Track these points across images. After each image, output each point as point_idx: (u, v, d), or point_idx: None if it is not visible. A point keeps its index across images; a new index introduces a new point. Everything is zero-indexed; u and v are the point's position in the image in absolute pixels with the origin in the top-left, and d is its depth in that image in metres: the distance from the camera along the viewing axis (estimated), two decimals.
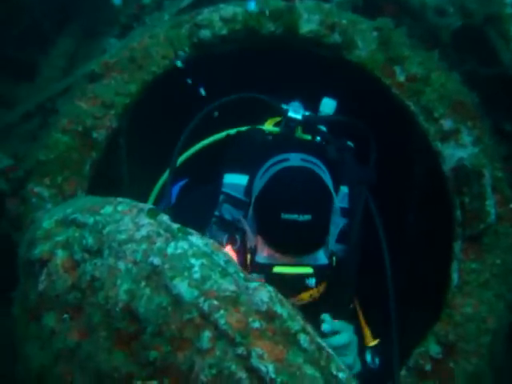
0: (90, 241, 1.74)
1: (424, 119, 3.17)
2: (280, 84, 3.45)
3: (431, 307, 3.04)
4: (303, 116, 3.10)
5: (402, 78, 3.24)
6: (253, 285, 1.59)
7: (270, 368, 1.46)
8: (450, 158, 3.08)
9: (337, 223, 2.61)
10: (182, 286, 1.55)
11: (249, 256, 2.52)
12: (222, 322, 1.50)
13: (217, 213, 2.89)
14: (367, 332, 2.88)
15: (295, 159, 2.65)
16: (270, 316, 1.53)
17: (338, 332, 2.61)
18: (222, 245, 2.73)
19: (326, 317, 2.59)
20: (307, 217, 2.37)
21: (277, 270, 2.37)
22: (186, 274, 1.58)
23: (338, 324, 2.64)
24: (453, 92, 3.19)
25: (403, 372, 2.83)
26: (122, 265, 1.65)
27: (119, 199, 1.84)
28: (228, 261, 1.64)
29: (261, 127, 3.20)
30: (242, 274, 1.62)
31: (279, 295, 1.58)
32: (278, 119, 3.26)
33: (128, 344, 1.60)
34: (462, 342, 2.82)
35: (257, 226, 2.49)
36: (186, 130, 2.99)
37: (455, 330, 2.84)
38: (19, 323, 1.95)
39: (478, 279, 2.92)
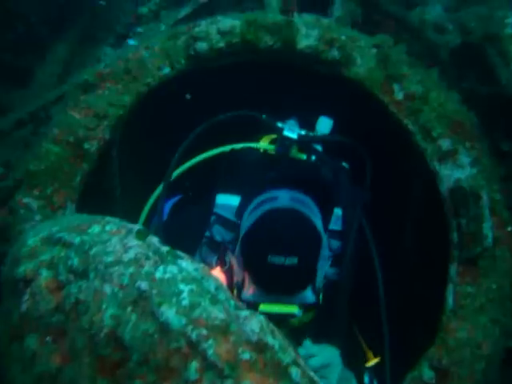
0: (75, 262, 1.67)
1: (422, 138, 3.12)
2: (277, 99, 3.41)
3: (429, 330, 2.97)
4: (298, 135, 3.11)
5: (400, 96, 3.20)
6: (243, 313, 1.53)
7: None
8: (447, 179, 3.03)
9: (326, 259, 2.66)
10: (169, 313, 1.49)
11: (235, 291, 2.54)
12: (210, 352, 1.44)
13: (208, 234, 2.89)
14: (368, 352, 2.85)
15: (284, 198, 2.64)
16: (260, 347, 1.47)
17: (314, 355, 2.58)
18: (211, 266, 2.78)
19: (305, 342, 2.59)
20: (294, 260, 2.37)
21: (263, 308, 2.40)
22: (174, 300, 1.51)
23: (316, 348, 2.61)
24: (452, 112, 3.14)
25: None
26: (108, 288, 1.59)
27: (107, 218, 1.78)
28: (218, 287, 1.58)
29: (255, 145, 3.20)
30: (232, 302, 1.56)
31: (271, 325, 1.52)
32: (273, 136, 3.24)
33: (112, 372, 1.53)
34: (456, 368, 2.76)
35: (243, 263, 2.50)
36: (181, 146, 2.98)
37: (449, 355, 2.78)
38: (1, 341, 1.88)
39: (473, 303, 2.86)
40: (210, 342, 1.46)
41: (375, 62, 3.26)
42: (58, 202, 2.97)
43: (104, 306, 1.57)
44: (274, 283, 2.41)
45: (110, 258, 1.62)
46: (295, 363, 1.47)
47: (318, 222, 2.63)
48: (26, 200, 2.95)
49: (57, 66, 5.29)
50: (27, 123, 3.95)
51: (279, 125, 3.14)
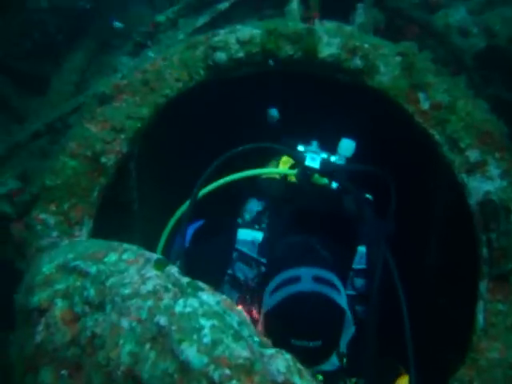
0: (91, 293, 1.59)
1: (449, 149, 3.01)
2: (298, 109, 3.32)
3: (458, 349, 2.86)
4: (321, 164, 3.02)
5: (426, 106, 3.09)
6: (269, 352, 1.44)
7: None
8: (476, 192, 2.92)
9: (351, 325, 2.59)
10: (190, 352, 1.40)
11: None
12: None
13: (230, 271, 2.86)
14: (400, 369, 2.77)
15: (307, 278, 2.55)
16: None
17: None
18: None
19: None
20: (317, 343, 2.38)
21: None
22: (195, 337, 1.43)
23: None
24: (480, 121, 3.03)
25: None
26: (125, 323, 1.50)
27: (125, 246, 1.70)
28: (242, 322, 1.49)
29: (276, 170, 3.15)
30: (256, 339, 1.47)
31: (298, 364, 1.43)
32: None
33: None
34: None
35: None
36: (203, 175, 2.89)
37: (480, 376, 2.66)
38: (16, 371, 1.81)
39: (505, 321, 2.74)
40: (234, 383, 1.37)
41: (399, 70, 3.15)
42: (75, 217, 2.91)
43: (121, 342, 1.49)
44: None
45: (127, 290, 1.54)
46: None
47: (342, 299, 2.59)
48: (42, 216, 2.89)
49: (73, 74, 5.26)
50: (43, 134, 3.89)
51: (301, 148, 3.09)
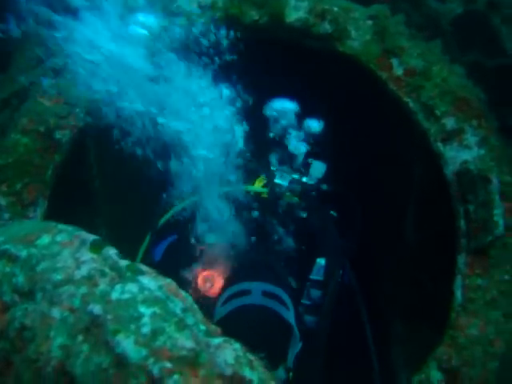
0: (20, 280, 1.42)
1: (424, 118, 2.86)
2: (267, 78, 3.14)
3: (437, 327, 2.74)
4: (289, 182, 3.19)
5: (399, 72, 2.93)
6: (216, 341, 1.28)
7: None
8: (452, 161, 2.80)
9: (297, 342, 2.71)
10: (126, 343, 1.24)
11: None
12: None
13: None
14: None
15: (256, 293, 2.69)
16: (236, 382, 1.22)
17: None
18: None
19: None
20: (262, 354, 2.34)
21: None
22: (132, 327, 1.26)
23: None
24: (456, 87, 2.89)
25: None
26: (56, 312, 1.34)
27: (60, 227, 1.52)
28: (187, 309, 1.33)
29: (250, 188, 3.27)
30: (203, 327, 1.31)
31: (248, 355, 1.27)
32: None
33: None
34: (467, 368, 2.54)
35: None
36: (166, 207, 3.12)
37: (459, 354, 2.57)
38: None
39: (484, 297, 2.65)
40: (176, 377, 1.21)
41: (371, 34, 2.99)
42: (29, 198, 2.73)
43: (52, 334, 1.33)
44: None
45: (59, 276, 1.37)
46: None
47: (290, 315, 2.70)
48: None
49: (37, 49, 5.02)
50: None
51: (272, 168, 3.25)
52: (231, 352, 1.25)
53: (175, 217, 3.17)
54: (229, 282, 2.84)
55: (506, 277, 2.64)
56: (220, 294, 2.80)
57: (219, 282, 2.91)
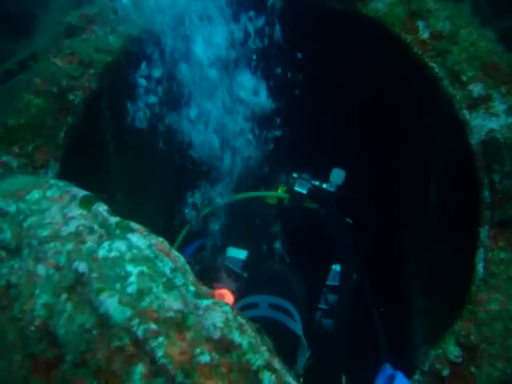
0: (8, 235, 1.36)
1: (450, 83, 2.73)
2: (287, 40, 3.03)
3: (459, 301, 2.64)
4: (308, 190, 3.37)
5: (425, 35, 2.79)
6: (204, 303, 1.20)
7: None
8: (478, 130, 2.66)
9: (305, 350, 2.83)
10: (110, 303, 1.17)
11: None
12: (160, 353, 1.13)
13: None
14: None
15: (263, 307, 2.85)
16: (224, 346, 1.15)
17: None
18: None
19: None
20: None
21: None
22: (118, 286, 1.19)
23: None
24: (485, 52, 2.75)
25: (416, 377, 2.46)
26: (41, 270, 1.27)
27: (52, 182, 1.45)
28: (176, 269, 1.25)
29: (274, 194, 3.46)
30: (192, 288, 1.23)
31: (239, 318, 1.19)
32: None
33: (47, 373, 1.23)
34: (486, 344, 2.43)
35: None
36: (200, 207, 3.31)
37: (478, 330, 2.46)
38: None
39: (507, 271, 2.52)
40: (161, 339, 1.14)
41: None
42: (41, 160, 2.67)
43: (37, 292, 1.27)
44: None
45: (45, 232, 1.31)
46: (268, 367, 1.14)
47: (296, 326, 2.83)
48: (4, 158, 2.66)
49: (61, 13, 4.96)
50: (16, 73, 3.62)
51: (295, 175, 3.44)
52: (220, 314, 1.18)
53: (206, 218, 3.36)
54: (239, 296, 2.95)
55: None
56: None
57: (230, 299, 2.98)
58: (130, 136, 3.45)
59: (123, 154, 3.36)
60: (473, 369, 2.41)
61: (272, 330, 2.64)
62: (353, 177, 3.40)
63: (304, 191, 3.36)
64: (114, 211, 3.23)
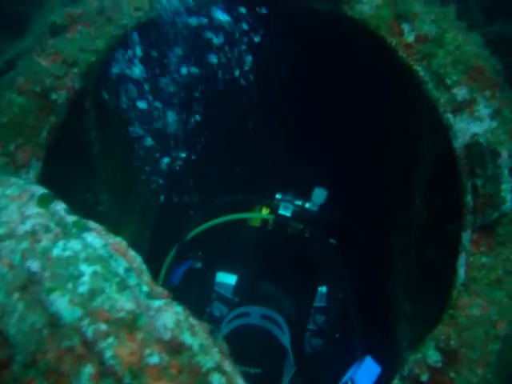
0: None
1: (434, 87, 2.71)
2: (272, 44, 3.02)
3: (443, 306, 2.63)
4: (292, 212, 3.40)
5: (410, 38, 2.77)
6: (156, 304, 1.19)
7: None
8: (462, 134, 2.65)
9: (292, 365, 2.97)
10: (61, 303, 1.16)
11: None
12: (108, 354, 1.11)
13: (208, 309, 3.28)
14: None
15: (255, 316, 3.02)
16: (174, 348, 1.14)
17: None
18: None
19: None
20: (258, 370, 2.77)
21: None
22: (69, 285, 1.18)
23: None
24: (470, 56, 2.73)
25: (395, 382, 2.44)
26: None
27: (13, 180, 1.44)
28: (130, 269, 1.24)
29: (257, 215, 3.54)
30: (145, 288, 1.22)
31: (191, 319, 1.18)
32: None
33: None
34: (466, 349, 2.44)
35: None
36: (187, 229, 3.39)
37: (459, 335, 2.46)
38: None
39: (488, 276, 2.52)
40: (110, 340, 1.13)
41: None
42: (22, 159, 2.67)
43: None
44: None
45: (1, 230, 1.29)
46: (219, 369, 1.13)
47: (284, 337, 2.99)
48: None
49: None
50: (4, 73, 3.62)
51: (278, 196, 3.48)
52: (172, 315, 1.16)
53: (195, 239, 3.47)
54: (232, 307, 3.15)
55: None
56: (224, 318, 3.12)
57: None
58: (117, 136, 3.45)
59: (109, 155, 3.35)
60: (452, 374, 2.40)
61: (261, 339, 2.85)
62: (336, 193, 3.47)
63: (288, 214, 3.39)
64: (99, 212, 3.25)
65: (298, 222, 3.44)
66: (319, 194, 3.43)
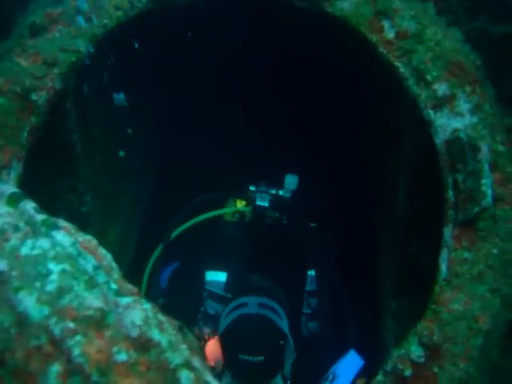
0: None
1: (414, 83, 2.71)
2: (250, 41, 3.02)
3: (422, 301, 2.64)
4: (269, 202, 3.47)
5: (390, 35, 2.78)
6: (124, 301, 1.19)
7: None
8: (443, 129, 2.65)
9: (292, 351, 3.03)
10: (28, 302, 1.16)
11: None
12: (76, 352, 1.11)
13: (202, 308, 3.34)
14: None
15: (253, 305, 3.06)
16: (143, 345, 1.13)
17: None
18: (205, 338, 3.09)
19: None
20: (260, 358, 2.82)
21: None
22: (37, 284, 1.18)
23: None
24: (450, 51, 2.74)
25: (379, 377, 2.45)
26: None
27: None
28: (99, 266, 1.23)
29: (235, 209, 3.62)
30: (114, 286, 1.22)
31: (159, 316, 1.18)
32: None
33: None
34: (449, 344, 2.43)
35: (222, 356, 2.94)
36: (168, 232, 3.40)
37: (441, 330, 2.46)
38: None
39: (470, 271, 2.52)
40: (78, 338, 1.12)
41: None
42: (3, 160, 2.64)
43: None
44: (244, 375, 2.85)
45: None
46: (187, 365, 1.13)
47: (283, 323, 3.03)
48: None
49: None
50: None
51: (252, 188, 3.56)
52: (140, 312, 1.16)
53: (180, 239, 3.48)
54: (229, 300, 3.19)
55: (495, 250, 2.50)
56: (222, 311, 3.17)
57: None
58: (100, 136, 3.44)
59: (92, 155, 3.34)
60: (435, 369, 2.40)
61: (261, 325, 2.89)
62: (312, 182, 3.53)
63: (266, 204, 3.47)
64: (84, 213, 3.24)
65: (275, 210, 3.51)
66: (291, 181, 3.50)
